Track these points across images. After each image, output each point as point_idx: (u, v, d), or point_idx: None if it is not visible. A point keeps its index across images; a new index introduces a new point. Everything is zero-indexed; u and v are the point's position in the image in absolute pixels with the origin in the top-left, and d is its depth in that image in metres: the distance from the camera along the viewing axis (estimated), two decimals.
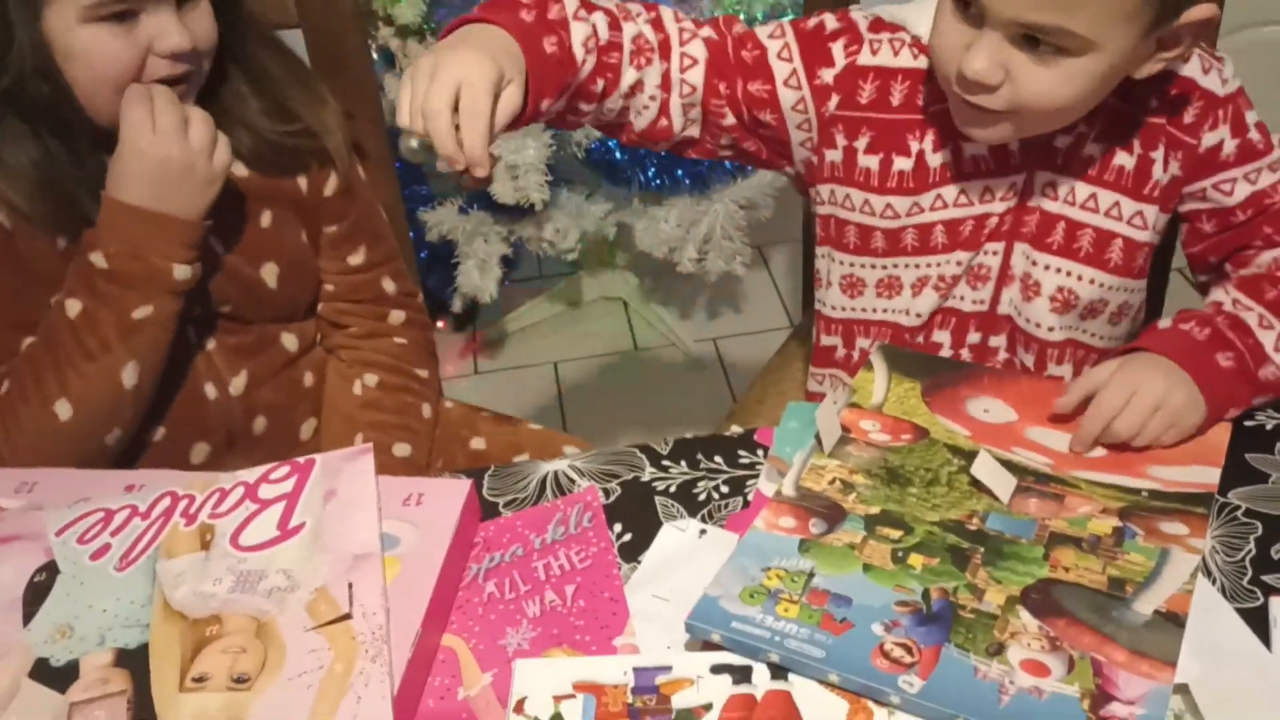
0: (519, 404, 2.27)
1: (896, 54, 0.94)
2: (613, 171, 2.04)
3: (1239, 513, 0.79)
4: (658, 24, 0.93)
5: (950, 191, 0.95)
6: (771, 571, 0.74)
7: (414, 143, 2.15)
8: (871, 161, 0.96)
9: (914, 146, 0.95)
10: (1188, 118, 0.93)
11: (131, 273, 0.92)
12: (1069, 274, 0.97)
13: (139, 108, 0.90)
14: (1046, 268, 0.96)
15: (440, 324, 2.43)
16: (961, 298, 0.99)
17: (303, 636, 0.72)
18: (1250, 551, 0.76)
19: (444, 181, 2.12)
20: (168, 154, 0.90)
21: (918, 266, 0.99)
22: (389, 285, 1.16)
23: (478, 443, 1.17)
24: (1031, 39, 0.81)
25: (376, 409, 1.11)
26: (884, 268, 1.00)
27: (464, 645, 0.77)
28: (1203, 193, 0.96)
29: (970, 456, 0.82)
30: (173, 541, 0.79)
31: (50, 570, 0.78)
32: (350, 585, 0.75)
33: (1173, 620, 0.69)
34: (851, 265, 1.01)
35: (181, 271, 0.94)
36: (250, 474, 0.84)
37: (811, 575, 0.73)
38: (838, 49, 0.95)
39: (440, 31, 0.85)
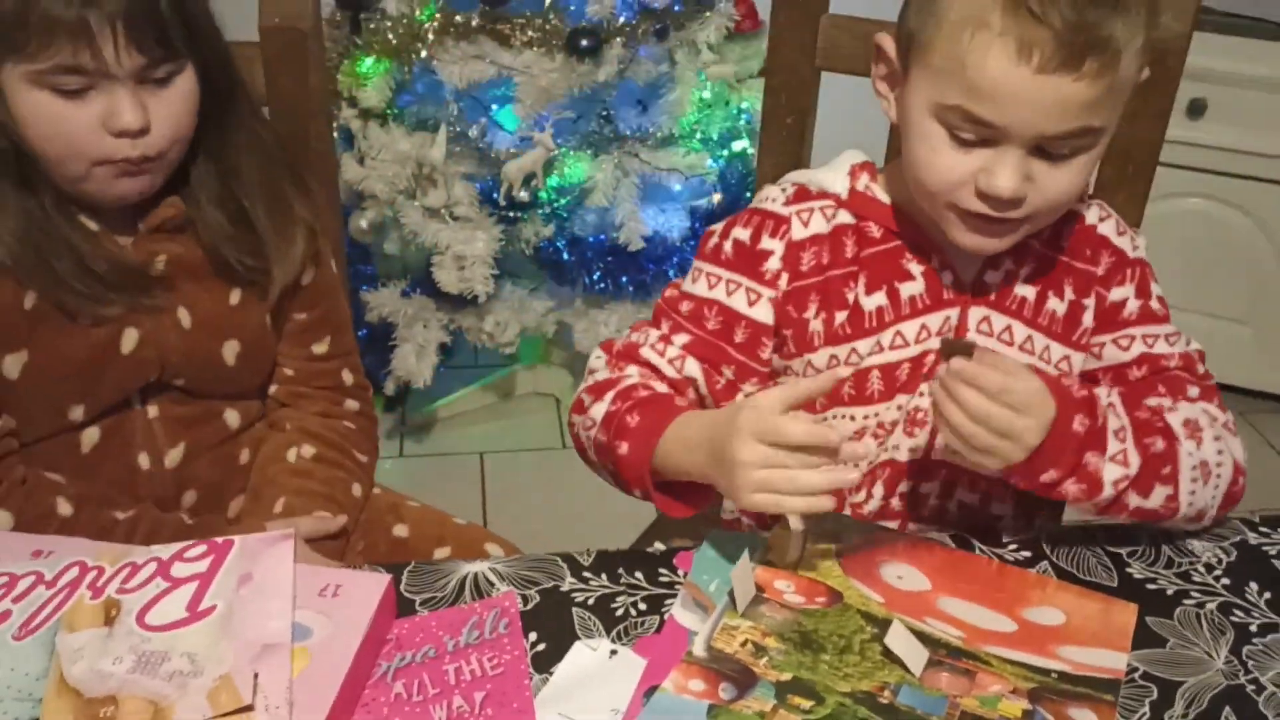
0: (441, 491, 2.24)
1: (829, 220, 0.98)
2: (559, 270, 2.07)
3: (1136, 675, 0.81)
4: (656, 373, 0.99)
5: (887, 335, 0.97)
6: None
7: (364, 222, 2.16)
8: (818, 324, 0.98)
9: (849, 296, 0.97)
10: (1100, 270, 0.99)
11: None
12: None
13: None
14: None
15: None
16: (897, 446, 1.00)
17: None
18: (1144, 715, 0.78)
19: (389, 262, 2.13)
20: None
21: (853, 418, 0.99)
22: (348, 377, 1.16)
23: (400, 530, 1.16)
24: (1047, 147, 0.85)
25: (306, 478, 1.10)
26: (823, 421, 0.99)
27: None
28: (1101, 348, 1.00)
29: (883, 624, 0.83)
30: (76, 614, 0.77)
31: None
32: (256, 675, 0.73)
33: None
34: None
35: None
36: (165, 550, 0.82)
37: None
38: (767, 241, 0.98)
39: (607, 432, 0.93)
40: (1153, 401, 0.96)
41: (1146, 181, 1.24)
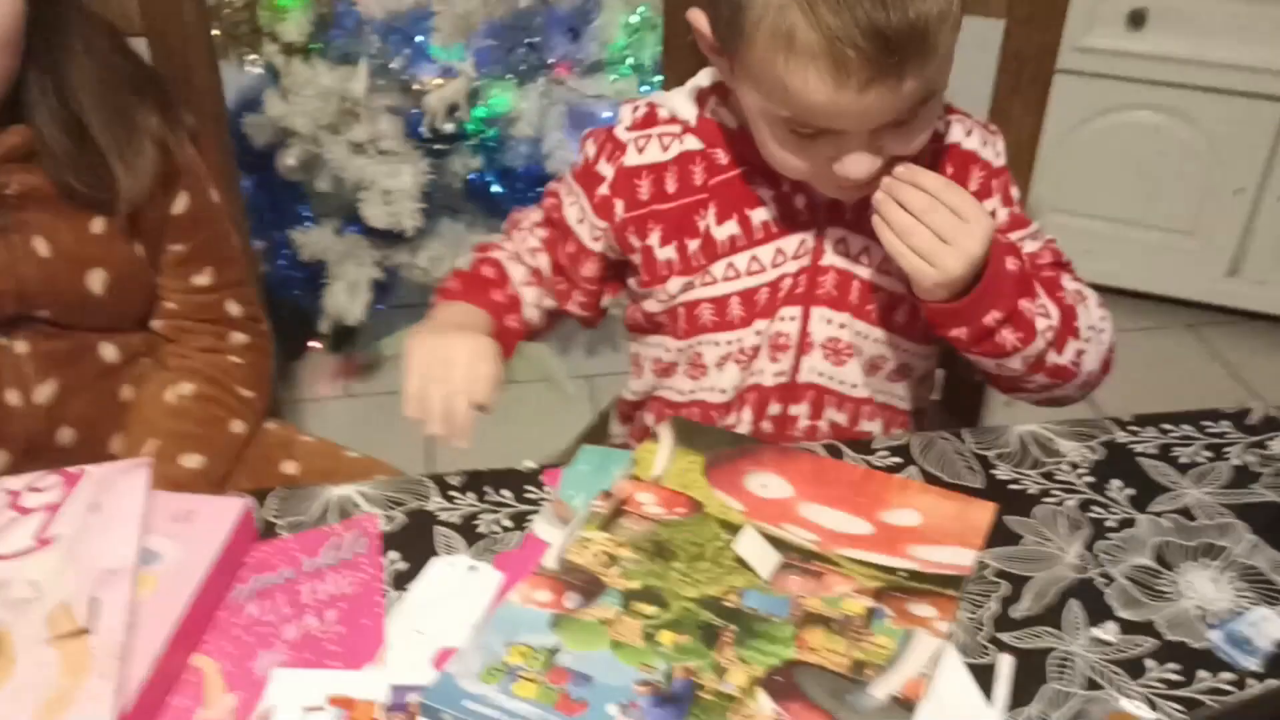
0: (387, 430, 2.21)
1: (666, 148, 0.97)
2: (491, 203, 2.05)
3: (988, 572, 0.82)
4: (519, 258, 1.06)
5: (741, 260, 0.97)
6: (515, 648, 0.73)
7: (290, 159, 2.13)
8: (668, 252, 0.98)
9: (700, 224, 0.97)
10: (971, 186, 0.97)
11: None
12: (867, 336, 0.99)
13: None
14: (843, 326, 0.99)
15: (318, 344, 2.41)
16: (762, 371, 1.00)
17: (36, 649, 0.70)
18: (992, 610, 0.79)
19: (323, 200, 2.11)
20: None
21: (717, 344, 1.00)
22: (233, 308, 1.14)
23: (290, 467, 1.15)
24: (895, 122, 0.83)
25: (181, 418, 1.09)
26: (689, 348, 1.01)
27: (213, 666, 0.76)
28: None
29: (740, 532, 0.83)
30: None
31: None
32: (94, 600, 0.73)
33: (904, 706, 0.69)
34: (660, 349, 1.04)
35: None
36: (17, 481, 0.82)
37: (555, 652, 0.73)
38: (603, 165, 0.98)
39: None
40: None
41: (1043, 88, 1.22)
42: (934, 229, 0.83)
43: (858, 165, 0.84)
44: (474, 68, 1.90)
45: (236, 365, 1.13)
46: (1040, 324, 0.89)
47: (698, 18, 0.88)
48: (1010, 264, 0.87)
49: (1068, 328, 0.92)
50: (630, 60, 2.05)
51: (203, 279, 1.11)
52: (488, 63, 1.95)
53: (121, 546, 0.78)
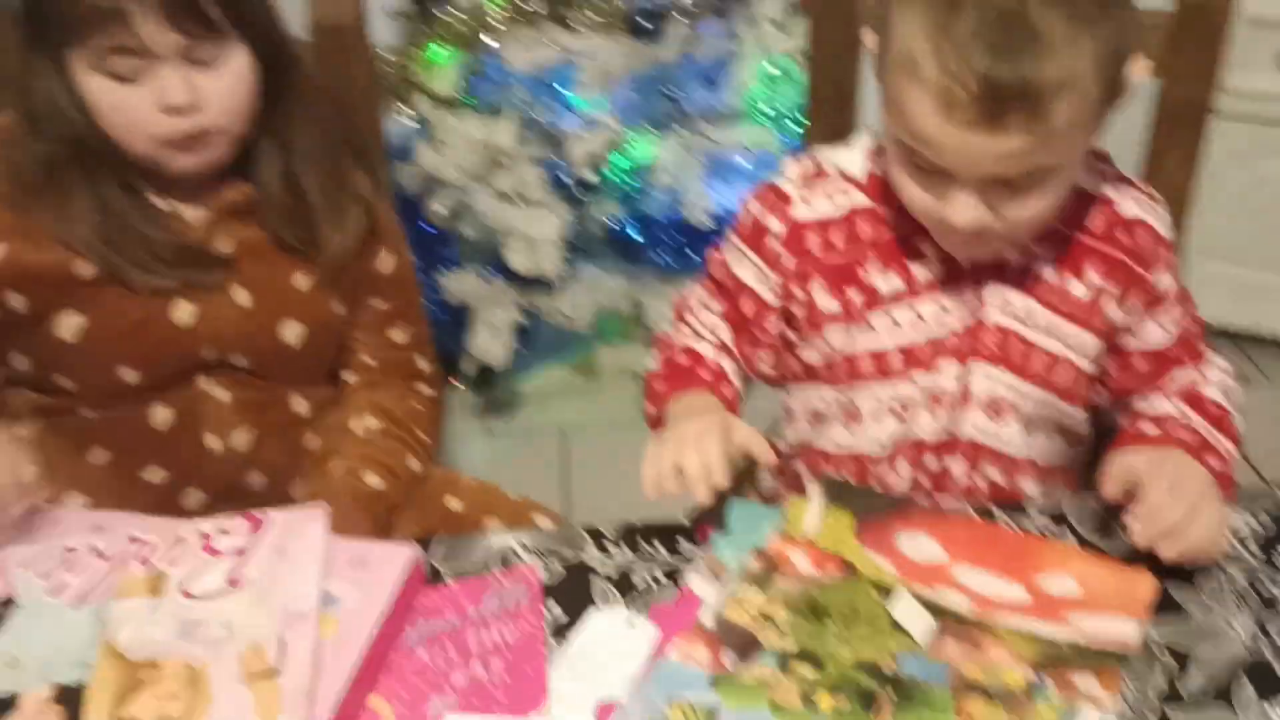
0: (525, 468, 2.29)
1: (836, 205, 0.99)
2: (630, 251, 2.10)
3: (1153, 645, 0.80)
4: (701, 336, 1.08)
5: (903, 313, 0.98)
6: (677, 705, 0.75)
7: (439, 207, 2.22)
8: (829, 303, 1.00)
9: (864, 276, 0.98)
10: (1149, 258, 0.97)
11: None
12: (1028, 396, 0.99)
13: None
14: (1004, 384, 0.99)
15: (459, 384, 2.49)
16: (920, 425, 1.00)
17: (231, 687, 0.75)
18: (1159, 685, 0.77)
19: (469, 247, 2.19)
20: None
21: (875, 396, 1.01)
22: (423, 364, 1.20)
23: (454, 504, 1.20)
24: (1005, 180, 0.84)
25: (367, 445, 1.14)
26: (845, 399, 1.02)
27: (389, 708, 0.80)
28: (1143, 330, 0.99)
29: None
30: (126, 585, 0.83)
31: (8, 603, 0.82)
32: (284, 642, 0.78)
33: None
34: (816, 398, 1.05)
35: None
36: (207, 524, 0.88)
37: (716, 712, 0.74)
38: (772, 221, 1.01)
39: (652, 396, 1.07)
40: (1182, 377, 0.99)
41: (1194, 142, 1.20)
42: (1190, 512, 0.83)
43: (961, 210, 0.86)
44: (616, 119, 1.96)
45: (419, 411, 1.18)
46: (1229, 463, 0.93)
47: (869, 37, 0.91)
48: (1211, 464, 0.90)
49: (1238, 443, 0.95)
50: (768, 110, 2.08)
51: (399, 336, 1.16)
52: (629, 114, 2.00)
53: (305, 590, 0.82)
